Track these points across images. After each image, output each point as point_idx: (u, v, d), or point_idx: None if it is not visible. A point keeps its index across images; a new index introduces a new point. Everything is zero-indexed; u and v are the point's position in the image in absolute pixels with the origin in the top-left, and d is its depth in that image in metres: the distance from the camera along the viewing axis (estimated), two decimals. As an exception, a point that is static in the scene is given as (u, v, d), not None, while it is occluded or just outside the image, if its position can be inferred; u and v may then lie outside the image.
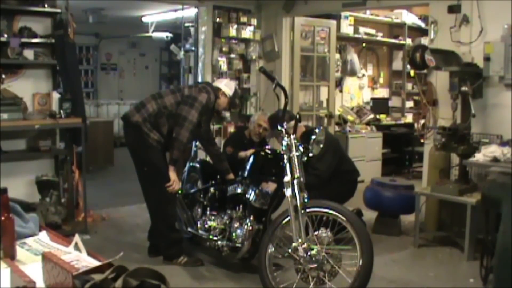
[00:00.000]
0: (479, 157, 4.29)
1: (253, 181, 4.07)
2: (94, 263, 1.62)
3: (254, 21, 6.91)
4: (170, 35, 10.26)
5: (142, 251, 4.41)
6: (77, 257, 1.69)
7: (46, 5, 4.95)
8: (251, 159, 4.24)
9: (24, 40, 4.82)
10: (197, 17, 6.63)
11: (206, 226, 4.26)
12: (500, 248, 3.26)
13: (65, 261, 1.54)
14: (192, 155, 5.21)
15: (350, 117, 7.86)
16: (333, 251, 3.29)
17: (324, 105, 7.56)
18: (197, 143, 4.96)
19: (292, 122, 4.05)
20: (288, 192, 3.34)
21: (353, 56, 8.03)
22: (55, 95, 5.06)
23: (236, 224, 4.02)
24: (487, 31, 4.72)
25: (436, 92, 5.21)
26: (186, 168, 4.97)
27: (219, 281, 3.98)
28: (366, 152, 7.54)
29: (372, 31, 8.30)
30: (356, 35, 8.00)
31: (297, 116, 4.08)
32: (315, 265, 3.24)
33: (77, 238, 1.82)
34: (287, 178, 3.38)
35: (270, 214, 4.04)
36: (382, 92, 9.04)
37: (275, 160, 3.93)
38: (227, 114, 6.71)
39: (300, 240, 3.27)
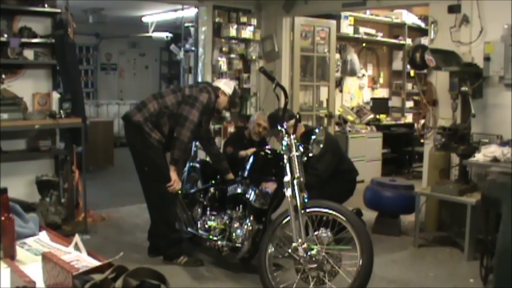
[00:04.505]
0: (479, 157, 4.29)
1: (253, 181, 4.07)
2: (94, 263, 1.62)
3: (254, 21, 6.91)
4: (170, 35, 10.25)
5: (142, 251, 4.41)
6: (77, 257, 1.69)
7: (46, 5, 4.94)
8: (251, 159, 4.24)
9: (24, 40, 4.81)
10: (197, 17, 6.63)
11: (206, 226, 4.27)
12: (500, 248, 3.26)
13: (65, 261, 1.54)
14: (192, 155, 5.21)
15: (350, 117, 7.85)
16: (333, 251, 3.28)
17: (324, 105, 7.56)
18: (197, 143, 4.97)
19: (292, 121, 4.06)
20: (288, 192, 3.34)
21: (353, 56, 8.03)
22: (55, 95, 5.06)
23: (236, 224, 4.02)
24: (487, 31, 4.72)
25: (436, 92, 5.21)
26: (186, 168, 4.97)
27: (219, 281, 3.98)
28: (366, 152, 7.54)
29: (372, 31, 8.29)
30: (356, 35, 8.00)
31: (297, 116, 4.08)
32: (315, 265, 3.24)
33: (77, 238, 1.82)
34: (287, 178, 3.37)
35: (270, 214, 4.04)
36: (382, 92, 9.04)
37: (275, 160, 3.93)
38: (227, 114, 6.71)
39: (300, 240, 3.27)
